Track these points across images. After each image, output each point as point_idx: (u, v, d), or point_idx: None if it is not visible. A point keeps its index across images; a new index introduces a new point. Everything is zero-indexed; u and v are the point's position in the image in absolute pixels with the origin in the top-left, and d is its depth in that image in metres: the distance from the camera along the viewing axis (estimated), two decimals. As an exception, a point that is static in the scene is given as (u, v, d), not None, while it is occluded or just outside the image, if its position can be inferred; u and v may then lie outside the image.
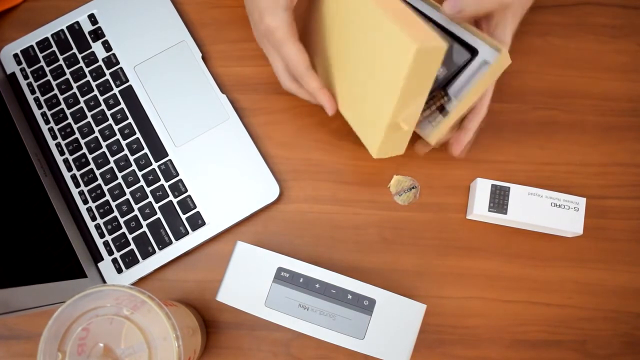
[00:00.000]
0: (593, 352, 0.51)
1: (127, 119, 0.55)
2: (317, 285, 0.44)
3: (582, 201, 0.50)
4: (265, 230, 0.54)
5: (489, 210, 0.51)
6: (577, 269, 0.53)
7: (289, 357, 0.51)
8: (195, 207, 0.53)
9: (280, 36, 0.44)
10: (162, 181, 0.54)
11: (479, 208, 0.51)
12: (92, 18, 0.58)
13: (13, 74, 0.57)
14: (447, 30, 0.46)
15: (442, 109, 0.47)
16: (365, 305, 0.44)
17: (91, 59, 0.57)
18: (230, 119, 0.55)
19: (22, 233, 0.46)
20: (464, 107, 0.46)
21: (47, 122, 0.56)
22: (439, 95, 0.47)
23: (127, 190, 0.54)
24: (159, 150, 0.54)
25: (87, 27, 0.58)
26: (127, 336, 0.37)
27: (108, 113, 0.56)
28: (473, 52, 0.45)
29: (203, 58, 0.57)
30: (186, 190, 0.53)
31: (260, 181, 0.54)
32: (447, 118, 0.46)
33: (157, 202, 0.53)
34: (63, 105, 0.56)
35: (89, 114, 0.56)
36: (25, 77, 0.57)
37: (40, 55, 0.57)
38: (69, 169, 0.55)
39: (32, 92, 0.57)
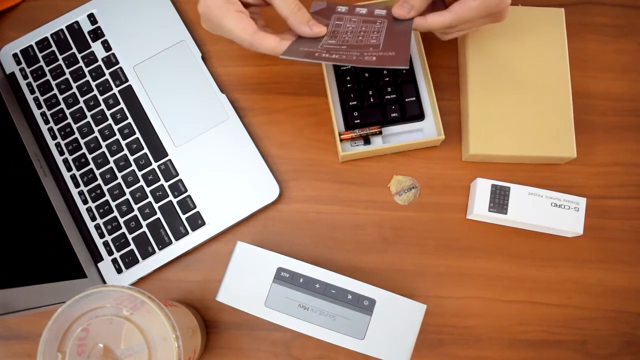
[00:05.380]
0: (593, 352, 0.51)
1: (127, 118, 0.55)
2: (317, 286, 0.44)
3: (582, 201, 0.50)
4: (265, 230, 0.54)
5: (489, 210, 0.51)
6: (577, 269, 0.53)
7: (289, 357, 0.51)
8: (195, 207, 0.53)
9: (217, 13, 0.45)
10: (162, 181, 0.54)
11: (479, 208, 0.51)
12: (92, 18, 0.58)
13: (12, 73, 0.57)
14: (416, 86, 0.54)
15: (367, 140, 0.54)
16: (365, 305, 0.44)
17: (91, 58, 0.57)
18: (230, 118, 0.55)
19: (22, 233, 0.46)
20: (384, 151, 0.53)
21: (46, 122, 0.56)
22: (375, 128, 0.52)
23: (127, 190, 0.54)
24: (159, 150, 0.54)
25: (86, 26, 0.58)
26: (127, 336, 0.37)
27: (108, 113, 0.55)
28: (422, 115, 0.54)
29: (203, 58, 0.57)
30: (186, 190, 0.53)
31: (260, 181, 0.53)
32: (367, 149, 0.53)
33: (157, 202, 0.53)
34: (62, 105, 0.56)
35: (88, 114, 0.56)
36: (25, 77, 0.57)
37: (39, 55, 0.57)
38: (69, 169, 0.55)
39: (32, 92, 0.56)
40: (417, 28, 0.48)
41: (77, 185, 0.54)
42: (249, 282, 0.44)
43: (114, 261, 0.52)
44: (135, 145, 0.55)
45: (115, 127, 0.55)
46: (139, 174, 0.54)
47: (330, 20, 0.50)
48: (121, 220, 0.53)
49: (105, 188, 0.54)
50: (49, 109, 0.56)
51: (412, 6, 0.47)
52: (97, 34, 0.57)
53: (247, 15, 0.46)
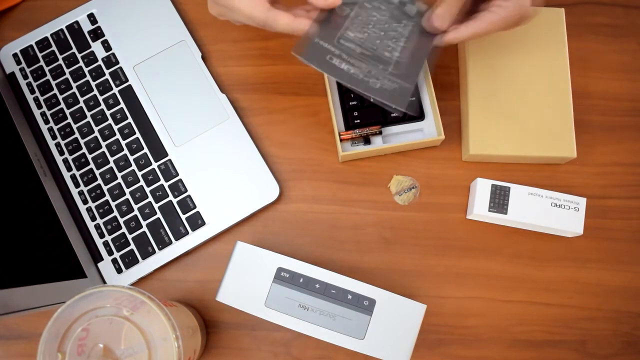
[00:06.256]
0: (593, 352, 0.51)
1: (127, 118, 0.55)
2: (317, 286, 0.44)
3: (582, 201, 0.50)
4: (265, 230, 0.54)
5: (489, 210, 0.51)
6: (577, 269, 0.53)
7: (289, 357, 0.51)
8: (195, 207, 0.53)
9: None
10: (162, 181, 0.54)
11: (479, 208, 0.51)
12: (92, 17, 0.58)
13: (12, 73, 0.57)
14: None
15: (367, 140, 0.53)
16: (365, 305, 0.44)
17: (91, 58, 0.57)
18: (230, 118, 0.55)
19: (22, 233, 0.46)
20: (384, 151, 0.53)
21: (46, 122, 0.56)
22: (375, 128, 0.52)
23: (127, 190, 0.54)
24: (159, 150, 0.54)
25: (86, 26, 0.58)
26: (127, 337, 0.37)
27: (108, 113, 0.55)
28: (422, 115, 0.54)
29: (203, 58, 0.57)
30: (186, 190, 0.53)
31: (260, 181, 0.53)
32: (367, 149, 0.52)
33: (156, 202, 0.53)
34: (62, 105, 0.56)
35: (88, 114, 0.56)
36: (25, 76, 0.57)
37: (39, 55, 0.57)
38: (69, 169, 0.55)
39: (32, 91, 0.56)
40: (436, 44, 0.48)
41: (77, 185, 0.54)
42: (249, 282, 0.44)
43: (114, 261, 0.52)
44: (135, 145, 0.55)
45: (115, 127, 0.55)
46: (139, 174, 0.54)
47: None
48: (121, 220, 0.53)
49: (105, 188, 0.54)
50: (49, 109, 0.56)
51: (442, 21, 0.46)
52: (97, 34, 0.57)
53: None
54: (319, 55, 0.45)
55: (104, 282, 0.52)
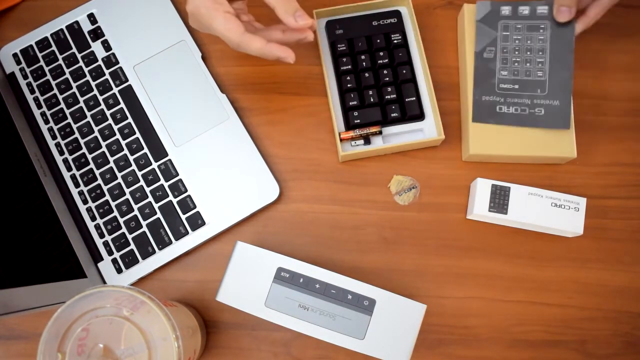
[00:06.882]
0: (593, 352, 0.51)
1: (127, 118, 0.55)
2: (317, 286, 0.44)
3: (582, 201, 0.50)
4: (265, 230, 0.54)
5: (489, 210, 0.51)
6: (577, 269, 0.53)
7: (289, 357, 0.51)
8: (195, 207, 0.53)
9: (205, 13, 0.45)
10: (162, 181, 0.54)
11: (479, 208, 0.51)
12: (92, 17, 0.58)
13: (12, 73, 0.57)
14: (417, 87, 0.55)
15: (367, 140, 0.54)
16: (365, 305, 0.44)
17: (91, 58, 0.57)
18: (230, 118, 0.55)
19: (22, 233, 0.46)
20: (384, 151, 0.53)
21: (46, 122, 0.56)
22: (375, 128, 0.52)
23: (127, 190, 0.54)
24: (159, 150, 0.54)
25: (86, 26, 0.58)
26: (127, 337, 0.37)
27: (108, 113, 0.55)
28: (422, 115, 0.54)
29: (203, 58, 0.57)
30: (186, 190, 0.53)
31: (260, 181, 0.54)
32: (367, 149, 0.53)
33: (156, 202, 0.53)
34: (62, 105, 0.56)
35: (88, 114, 0.56)
36: (25, 76, 0.57)
37: (39, 55, 0.57)
38: (69, 168, 0.55)
39: (32, 91, 0.56)
40: (579, 29, 0.51)
41: (77, 185, 0.54)
42: (249, 282, 0.44)
43: (114, 261, 0.52)
44: (135, 145, 0.55)
45: (115, 127, 0.55)
46: (139, 173, 0.54)
47: (497, 30, 0.52)
48: (121, 220, 0.53)
49: (105, 188, 0.54)
50: (49, 109, 0.56)
51: (569, 7, 0.50)
52: (97, 33, 0.57)
53: (235, 15, 0.46)
54: (490, 111, 0.51)
55: (104, 282, 0.52)
